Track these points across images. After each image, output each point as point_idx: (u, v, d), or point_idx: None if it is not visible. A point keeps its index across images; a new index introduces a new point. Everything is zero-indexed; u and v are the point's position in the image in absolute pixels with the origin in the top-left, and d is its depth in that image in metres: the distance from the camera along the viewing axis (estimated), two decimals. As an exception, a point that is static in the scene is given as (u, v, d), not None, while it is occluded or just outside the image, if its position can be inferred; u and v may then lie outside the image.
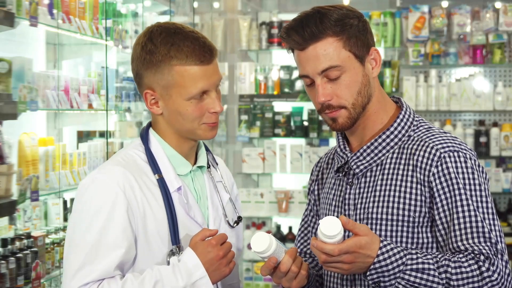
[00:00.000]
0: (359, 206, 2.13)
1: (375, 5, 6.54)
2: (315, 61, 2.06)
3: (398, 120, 2.14)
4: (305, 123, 6.30)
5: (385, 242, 1.96)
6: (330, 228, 1.90)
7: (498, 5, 6.10)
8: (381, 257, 1.94)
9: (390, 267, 1.95)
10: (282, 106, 6.45)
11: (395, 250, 1.96)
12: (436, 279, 1.96)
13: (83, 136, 4.83)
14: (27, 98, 3.49)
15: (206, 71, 2.10)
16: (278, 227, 6.31)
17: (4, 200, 3.33)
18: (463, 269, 1.96)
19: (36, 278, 3.48)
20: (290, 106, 6.39)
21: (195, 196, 2.19)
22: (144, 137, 2.19)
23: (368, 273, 1.96)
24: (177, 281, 2.01)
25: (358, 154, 2.14)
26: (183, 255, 2.05)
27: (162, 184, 2.12)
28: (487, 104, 6.17)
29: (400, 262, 1.95)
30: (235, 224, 2.26)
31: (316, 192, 2.33)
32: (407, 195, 2.07)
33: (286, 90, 6.36)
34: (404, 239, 2.07)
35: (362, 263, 1.94)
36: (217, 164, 2.31)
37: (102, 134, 4.85)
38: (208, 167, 2.26)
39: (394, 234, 2.07)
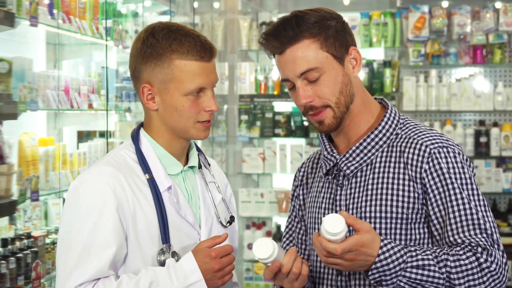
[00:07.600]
0: (351, 206, 2.13)
1: (375, 5, 6.54)
2: (293, 64, 2.07)
3: (385, 119, 2.15)
4: (305, 123, 6.29)
5: (385, 241, 1.97)
6: (334, 225, 1.90)
7: (498, 5, 6.10)
8: (382, 257, 1.95)
9: (391, 265, 1.96)
10: (282, 106, 6.45)
11: (396, 249, 1.97)
12: (436, 274, 1.97)
13: (83, 136, 4.83)
14: (27, 98, 3.49)
15: (205, 68, 2.12)
16: (278, 227, 6.31)
17: (4, 200, 3.33)
18: (462, 262, 1.98)
19: (36, 278, 3.48)
20: (290, 106, 6.38)
21: (186, 196, 2.19)
22: (135, 137, 2.20)
23: (370, 272, 1.97)
24: (172, 282, 2.02)
25: (347, 155, 2.15)
26: (182, 258, 2.07)
27: (153, 183, 2.12)
28: (487, 104, 6.17)
29: (401, 260, 1.96)
30: (228, 224, 2.26)
31: (301, 197, 2.32)
32: (400, 193, 2.08)
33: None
34: (398, 236, 2.08)
35: (363, 261, 1.95)
36: (209, 165, 2.32)
37: (102, 134, 4.84)
38: (200, 167, 2.27)
39: (388, 232, 2.08)
